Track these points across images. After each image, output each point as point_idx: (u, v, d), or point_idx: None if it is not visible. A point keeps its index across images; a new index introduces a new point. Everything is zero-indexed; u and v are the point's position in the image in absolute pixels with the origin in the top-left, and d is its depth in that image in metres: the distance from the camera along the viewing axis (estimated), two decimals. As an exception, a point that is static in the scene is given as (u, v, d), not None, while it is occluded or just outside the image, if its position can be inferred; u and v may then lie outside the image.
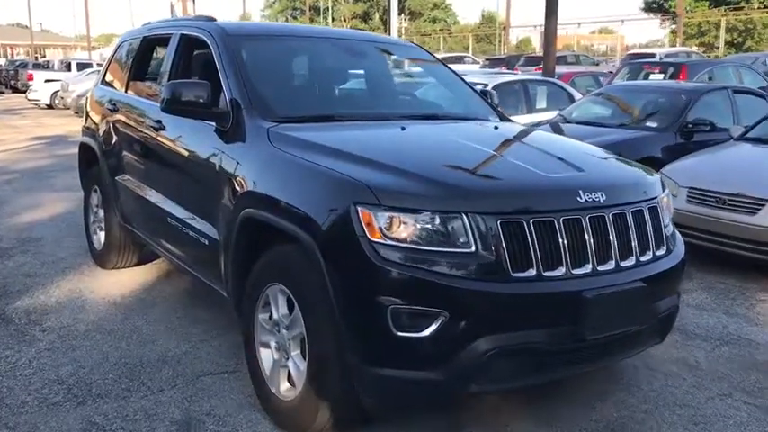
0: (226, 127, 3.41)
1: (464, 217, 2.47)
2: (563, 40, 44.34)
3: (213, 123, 3.51)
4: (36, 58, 49.76)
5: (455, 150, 3.08)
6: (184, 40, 4.24)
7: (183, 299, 4.60)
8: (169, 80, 4.16)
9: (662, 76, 12.22)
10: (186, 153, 3.78)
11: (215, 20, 4.27)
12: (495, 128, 3.66)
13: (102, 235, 5.20)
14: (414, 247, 2.46)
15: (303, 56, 4.14)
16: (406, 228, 2.47)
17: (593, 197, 2.66)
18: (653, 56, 22.38)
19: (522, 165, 2.88)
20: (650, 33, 53.28)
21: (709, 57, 28.57)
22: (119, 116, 4.78)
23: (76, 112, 19.41)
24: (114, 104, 4.88)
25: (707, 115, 7.18)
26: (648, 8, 47.31)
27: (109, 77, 5.37)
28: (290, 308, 2.84)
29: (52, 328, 4.09)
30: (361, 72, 4.24)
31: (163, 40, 4.62)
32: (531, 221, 2.51)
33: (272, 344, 3.00)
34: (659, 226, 2.92)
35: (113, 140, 4.84)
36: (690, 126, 7.05)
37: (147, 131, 4.25)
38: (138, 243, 4.91)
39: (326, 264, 2.55)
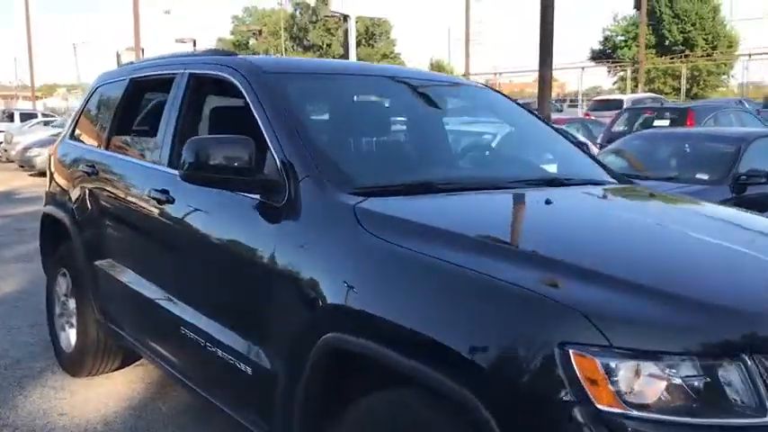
0: (279, 202, 2.37)
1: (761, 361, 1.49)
2: (506, 88, 44.72)
3: (255, 196, 2.47)
4: (-26, 108, 47.51)
5: (669, 242, 2.10)
6: (195, 82, 3.20)
7: (188, 423, 3.45)
8: (176, 135, 3.12)
9: (668, 122, 11.68)
10: (212, 238, 2.70)
11: (236, 54, 3.25)
12: (652, 195, 2.72)
13: (72, 333, 4.01)
14: (681, 421, 1.45)
15: (370, 100, 3.13)
16: (657, 386, 1.46)
17: None
18: (620, 102, 22.32)
19: None
20: (592, 81, 54.65)
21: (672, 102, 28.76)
22: (99, 181, 3.66)
23: (22, 166, 18.06)
24: (92, 166, 3.76)
25: (758, 165, 6.44)
26: (596, 57, 48.32)
27: (81, 131, 4.26)
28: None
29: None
30: (446, 121, 3.25)
31: (160, 83, 3.56)
32: None
33: None
34: None
35: (92, 213, 3.71)
36: (744, 178, 6.28)
37: (144, 204, 3.16)
38: (126, 346, 3.75)
39: None
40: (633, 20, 45.20)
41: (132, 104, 3.87)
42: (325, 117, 2.88)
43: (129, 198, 3.34)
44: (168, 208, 2.97)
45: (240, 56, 3.12)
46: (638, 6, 44.66)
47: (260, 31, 54.88)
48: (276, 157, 2.47)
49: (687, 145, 7.03)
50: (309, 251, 2.21)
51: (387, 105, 3.16)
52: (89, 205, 3.74)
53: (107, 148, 3.78)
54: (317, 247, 2.20)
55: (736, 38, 43.36)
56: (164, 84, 3.46)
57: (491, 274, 1.72)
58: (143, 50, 32.54)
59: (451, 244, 1.90)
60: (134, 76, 3.82)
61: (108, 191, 3.58)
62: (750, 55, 36.53)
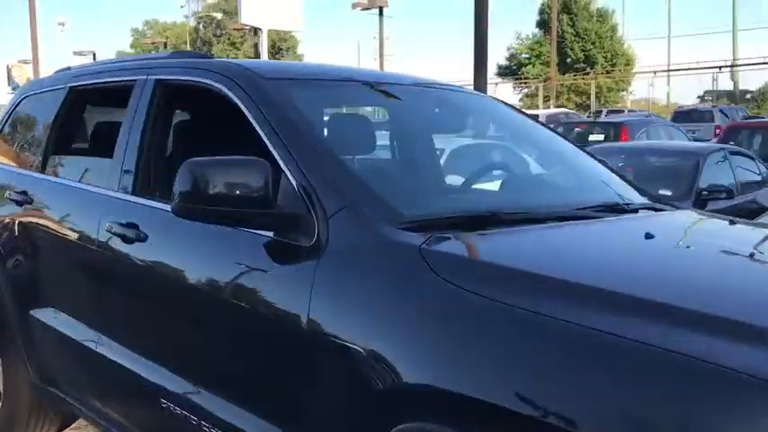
0: (305, 240, 1.86)
1: None
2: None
3: (266, 233, 1.94)
4: None
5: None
6: (163, 91, 2.62)
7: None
8: (141, 155, 2.54)
9: (602, 136, 11.72)
10: (208, 288, 2.13)
11: (212, 56, 2.70)
12: (733, 223, 2.36)
13: (-5, 397, 3.28)
14: None
15: (395, 112, 2.64)
16: None
17: None
18: (536, 117, 22.61)
19: None
20: (500, 98, 55.85)
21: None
22: (35, 212, 2.99)
23: None
24: (24, 193, 3.06)
25: (715, 179, 6.39)
26: (502, 73, 49.48)
27: (4, 151, 3.53)
28: None
29: None
30: (486, 138, 2.79)
31: (111, 92, 2.95)
32: None
33: None
34: None
35: (25, 251, 3.04)
36: (705, 194, 6.18)
37: (101, 241, 2.54)
38: (67, 411, 3.07)
39: None
40: (537, 38, 46.70)
41: (74, 118, 3.20)
42: (345, 133, 2.37)
43: (79, 233, 2.70)
44: (138, 248, 2.37)
45: (221, 58, 2.56)
46: (540, 26, 46.44)
47: (165, 44, 53.01)
48: (295, 184, 1.95)
49: (648, 159, 6.92)
50: (361, 309, 1.70)
51: (414, 118, 2.67)
52: (20, 242, 3.05)
53: (43, 171, 3.10)
54: (373, 302, 1.69)
55: (633, 56, 45.44)
56: (117, 93, 2.85)
57: (652, 342, 1.28)
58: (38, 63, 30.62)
59: (572, 298, 1.46)
60: (75, 84, 3.15)
61: (47, 224, 2.91)
62: (655, 72, 38.43)
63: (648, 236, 1.93)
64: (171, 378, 2.21)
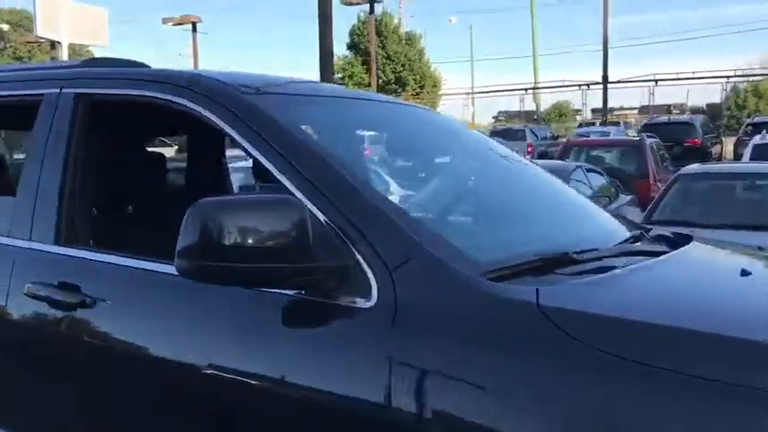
0: (365, 301, 1.46)
1: None
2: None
3: (289, 292, 1.51)
4: None
5: None
6: (87, 108, 2.04)
7: None
8: (63, 194, 1.96)
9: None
10: (211, 375, 1.62)
11: (143, 65, 2.18)
12: (761, 249, 2.25)
13: None
14: None
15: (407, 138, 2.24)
16: None
17: None
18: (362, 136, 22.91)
19: None
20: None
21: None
22: None
23: None
24: None
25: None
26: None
27: None
28: None
29: None
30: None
31: (6, 110, 2.29)
32: None
33: None
34: None
35: None
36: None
37: (14, 309, 1.90)
38: None
39: None
40: (348, 60, 47.59)
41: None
42: (366, 162, 1.95)
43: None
44: (82, 317, 1.78)
45: (171, 68, 2.05)
46: (351, 48, 47.44)
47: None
48: (331, 226, 1.53)
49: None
50: (476, 383, 1.32)
51: (424, 142, 2.30)
52: None
53: None
54: (490, 374, 1.32)
55: (439, 78, 47.87)
56: (9, 111, 2.20)
57: None
58: None
59: (723, 350, 1.25)
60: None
61: None
62: (468, 93, 40.85)
63: (745, 273, 1.74)
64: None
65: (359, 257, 1.48)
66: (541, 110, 44.98)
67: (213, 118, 1.78)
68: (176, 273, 1.57)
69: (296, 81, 2.19)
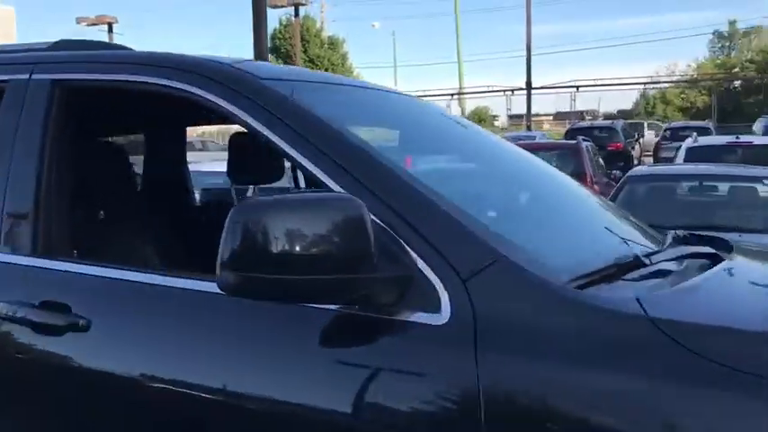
0: (436, 317, 1.24)
1: None
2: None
3: (334, 308, 1.30)
4: None
5: None
6: (66, 97, 1.74)
7: None
8: (39, 198, 1.66)
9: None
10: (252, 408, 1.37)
11: (119, 46, 1.92)
12: None
13: None
14: None
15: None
16: None
17: None
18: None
19: None
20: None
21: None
22: None
23: None
24: None
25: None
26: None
27: None
28: None
29: None
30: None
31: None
32: None
33: None
34: None
35: None
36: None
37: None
38: None
39: None
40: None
41: None
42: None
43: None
44: (73, 343, 1.48)
45: (173, 53, 1.77)
46: (273, 51, 46.85)
47: None
48: (395, 232, 1.31)
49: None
50: (601, 419, 1.14)
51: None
52: None
53: None
54: (615, 409, 1.14)
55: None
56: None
57: None
58: None
59: None
60: None
61: None
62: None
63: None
64: None
65: (423, 265, 1.27)
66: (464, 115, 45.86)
67: (227, 106, 1.52)
68: (193, 288, 1.38)
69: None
